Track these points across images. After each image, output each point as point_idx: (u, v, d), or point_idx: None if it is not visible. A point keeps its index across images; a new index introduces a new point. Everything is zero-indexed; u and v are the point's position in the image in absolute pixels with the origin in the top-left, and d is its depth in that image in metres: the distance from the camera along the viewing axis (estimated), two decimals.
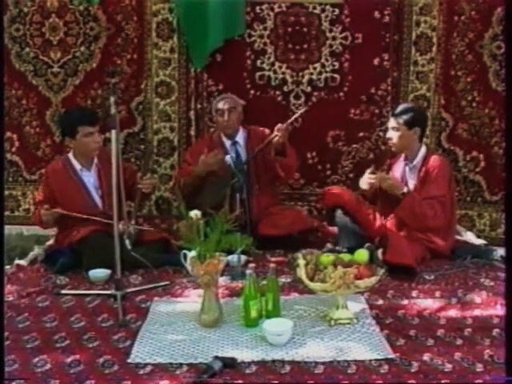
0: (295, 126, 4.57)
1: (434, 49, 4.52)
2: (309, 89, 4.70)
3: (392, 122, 3.88)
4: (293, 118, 4.14)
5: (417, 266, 3.60)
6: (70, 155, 3.97)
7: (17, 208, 4.93)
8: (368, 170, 3.88)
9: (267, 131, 4.33)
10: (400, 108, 3.91)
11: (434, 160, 3.83)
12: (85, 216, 3.77)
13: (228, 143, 4.32)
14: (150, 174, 4.01)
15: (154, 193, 4.66)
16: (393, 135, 3.88)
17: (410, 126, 3.82)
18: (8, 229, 4.49)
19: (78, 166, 3.94)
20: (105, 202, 3.90)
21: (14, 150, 4.85)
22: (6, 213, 4.85)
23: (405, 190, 3.75)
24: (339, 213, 3.99)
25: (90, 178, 3.96)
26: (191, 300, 3.26)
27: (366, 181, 3.84)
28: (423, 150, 3.91)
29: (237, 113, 4.30)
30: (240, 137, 4.34)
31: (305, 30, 4.61)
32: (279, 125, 4.06)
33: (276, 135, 4.05)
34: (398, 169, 4.00)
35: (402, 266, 3.52)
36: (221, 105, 4.26)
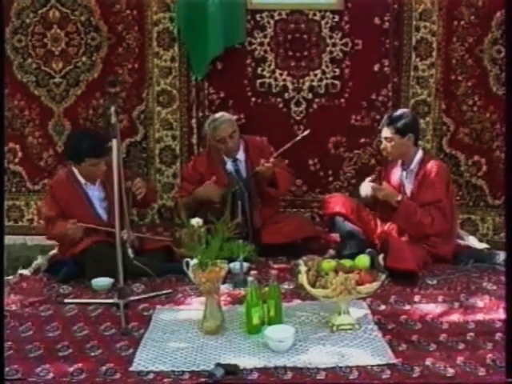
0: (297, 133, 4.59)
1: (434, 54, 4.53)
2: (310, 95, 4.71)
3: (385, 133, 3.86)
4: (289, 144, 4.10)
5: (419, 271, 3.60)
6: (74, 168, 3.95)
7: (20, 218, 4.95)
8: (368, 178, 3.89)
9: (265, 141, 4.33)
10: (390, 117, 3.87)
11: (432, 164, 3.81)
12: (104, 228, 3.78)
13: (229, 162, 4.26)
14: (139, 178, 3.95)
15: (157, 201, 4.69)
16: (387, 145, 3.86)
17: (403, 133, 3.79)
18: (12, 239, 4.53)
19: (82, 180, 3.93)
20: (111, 213, 3.88)
21: (16, 160, 4.87)
22: (10, 223, 4.88)
23: (399, 198, 3.74)
24: (340, 220, 3.98)
25: (94, 192, 3.96)
26: (194, 308, 3.27)
27: (365, 189, 3.85)
28: (420, 154, 3.89)
29: (237, 133, 4.20)
30: (240, 153, 4.27)
31: (305, 36, 4.63)
32: (262, 161, 4.05)
33: (261, 167, 4.03)
34: (396, 174, 3.99)
35: (404, 271, 3.51)
36: (221, 133, 4.12)
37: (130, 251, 3.49)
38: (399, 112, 3.92)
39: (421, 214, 3.67)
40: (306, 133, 4.20)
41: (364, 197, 3.91)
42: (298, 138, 4.16)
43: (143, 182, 3.92)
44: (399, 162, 3.96)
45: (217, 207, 3.88)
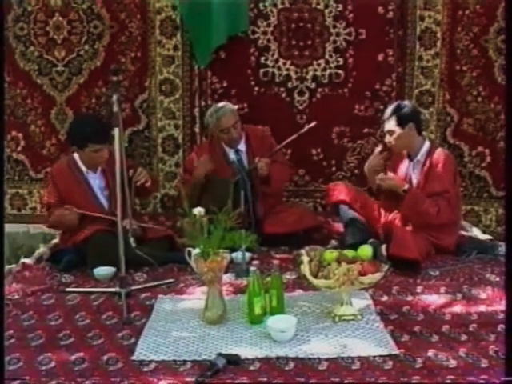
0: (300, 123, 4.58)
1: (439, 44, 4.50)
2: (313, 85, 4.68)
3: (386, 126, 3.84)
4: (295, 135, 4.08)
5: (421, 260, 3.59)
6: (76, 156, 3.93)
7: (23, 206, 4.96)
8: (377, 149, 3.87)
9: (266, 130, 4.32)
10: (388, 110, 3.84)
11: (439, 154, 3.78)
12: (98, 215, 3.78)
13: (231, 152, 4.23)
14: (141, 168, 3.95)
15: (159, 190, 4.70)
16: (390, 139, 3.84)
17: (403, 124, 3.77)
18: (15, 227, 4.55)
19: (83, 168, 3.92)
20: (111, 202, 3.88)
21: (19, 149, 4.88)
22: (13, 211, 4.90)
23: (406, 187, 3.72)
24: (344, 208, 3.97)
25: (95, 180, 3.95)
26: (196, 297, 3.26)
27: (374, 163, 3.85)
28: (427, 144, 3.86)
29: (239, 123, 4.18)
30: (241, 144, 4.25)
31: (308, 26, 4.60)
32: (258, 159, 4.04)
33: (258, 164, 4.01)
34: (403, 165, 3.96)
35: (407, 259, 3.50)
36: (224, 124, 4.10)
37: (131, 240, 3.49)
38: (397, 104, 3.89)
39: (428, 204, 3.65)
40: (312, 125, 4.15)
41: (369, 170, 3.90)
42: (304, 130, 4.13)
43: (145, 172, 3.91)
44: (405, 153, 3.94)
45: (219, 197, 3.86)
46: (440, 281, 3.45)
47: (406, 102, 3.99)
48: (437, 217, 3.65)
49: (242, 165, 4.20)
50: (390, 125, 3.80)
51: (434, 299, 3.18)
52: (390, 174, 3.85)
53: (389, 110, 3.84)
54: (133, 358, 2.61)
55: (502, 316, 2.93)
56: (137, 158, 4.79)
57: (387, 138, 3.88)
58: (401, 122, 3.78)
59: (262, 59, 4.67)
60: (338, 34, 4.59)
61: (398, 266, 3.49)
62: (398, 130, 3.79)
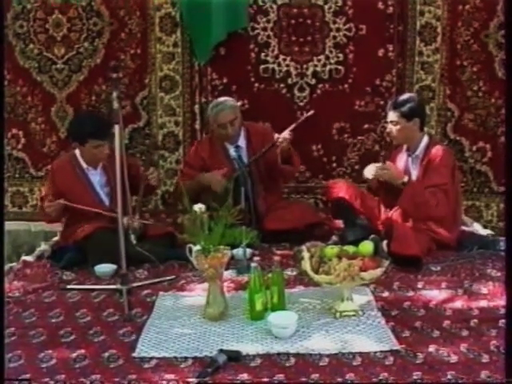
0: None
1: (439, 39, 4.49)
2: (313, 81, 4.67)
3: (390, 116, 3.83)
4: (294, 124, 4.07)
5: (423, 257, 3.58)
6: (77, 153, 3.94)
7: (24, 204, 4.96)
8: (375, 164, 3.86)
9: (267, 127, 4.31)
10: (397, 100, 3.85)
11: (437, 149, 3.79)
12: (87, 208, 3.77)
13: (231, 149, 4.23)
14: (153, 168, 3.97)
15: (160, 187, 4.69)
16: (393, 129, 3.84)
17: (409, 117, 3.77)
18: (16, 225, 4.55)
19: (84, 164, 3.93)
20: (112, 198, 3.89)
21: (20, 146, 4.88)
22: (14, 209, 4.90)
23: (405, 179, 3.72)
24: (344, 205, 3.97)
25: (96, 177, 3.96)
26: (197, 294, 3.26)
27: (370, 171, 3.82)
28: (425, 139, 3.86)
29: (238, 120, 4.17)
30: (242, 140, 4.26)
31: (308, 21, 4.58)
32: (276, 135, 4.03)
33: (277, 143, 4.00)
34: (401, 160, 3.97)
35: (408, 256, 3.50)
36: (222, 119, 4.10)
37: (132, 237, 3.49)
38: (405, 96, 3.91)
39: (427, 195, 3.65)
40: (311, 113, 4.16)
41: (368, 179, 3.88)
42: (304, 117, 4.14)
43: (157, 173, 3.93)
44: (404, 147, 3.94)
45: (219, 193, 3.86)
46: (441, 276, 3.45)
47: (415, 96, 4.01)
48: (436, 208, 3.65)
49: (242, 161, 4.20)
50: (395, 116, 3.80)
51: (435, 294, 3.18)
52: (389, 164, 3.84)
53: (396, 101, 3.84)
54: (134, 354, 2.61)
55: (503, 311, 2.92)
56: (137, 155, 4.78)
57: (389, 129, 3.87)
58: (407, 115, 3.77)
59: (262, 55, 4.66)
60: (337, 30, 4.58)
61: (399, 263, 3.49)
62: (402, 123, 3.79)
